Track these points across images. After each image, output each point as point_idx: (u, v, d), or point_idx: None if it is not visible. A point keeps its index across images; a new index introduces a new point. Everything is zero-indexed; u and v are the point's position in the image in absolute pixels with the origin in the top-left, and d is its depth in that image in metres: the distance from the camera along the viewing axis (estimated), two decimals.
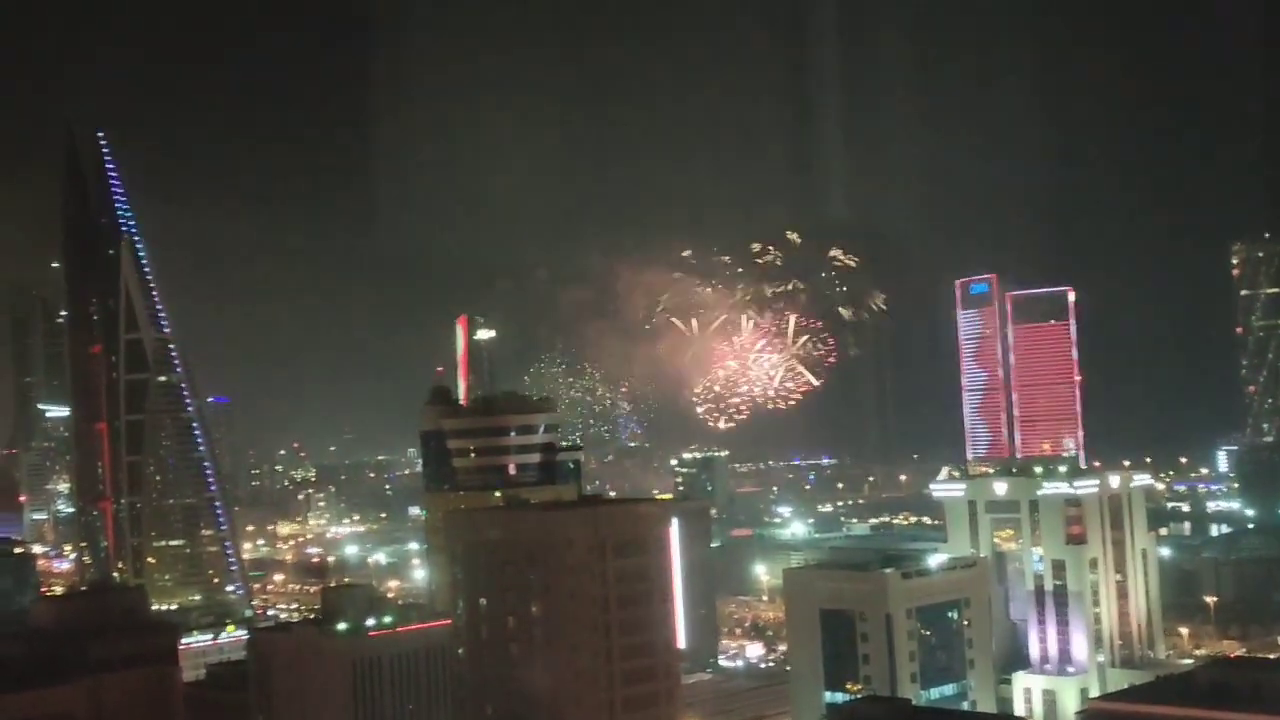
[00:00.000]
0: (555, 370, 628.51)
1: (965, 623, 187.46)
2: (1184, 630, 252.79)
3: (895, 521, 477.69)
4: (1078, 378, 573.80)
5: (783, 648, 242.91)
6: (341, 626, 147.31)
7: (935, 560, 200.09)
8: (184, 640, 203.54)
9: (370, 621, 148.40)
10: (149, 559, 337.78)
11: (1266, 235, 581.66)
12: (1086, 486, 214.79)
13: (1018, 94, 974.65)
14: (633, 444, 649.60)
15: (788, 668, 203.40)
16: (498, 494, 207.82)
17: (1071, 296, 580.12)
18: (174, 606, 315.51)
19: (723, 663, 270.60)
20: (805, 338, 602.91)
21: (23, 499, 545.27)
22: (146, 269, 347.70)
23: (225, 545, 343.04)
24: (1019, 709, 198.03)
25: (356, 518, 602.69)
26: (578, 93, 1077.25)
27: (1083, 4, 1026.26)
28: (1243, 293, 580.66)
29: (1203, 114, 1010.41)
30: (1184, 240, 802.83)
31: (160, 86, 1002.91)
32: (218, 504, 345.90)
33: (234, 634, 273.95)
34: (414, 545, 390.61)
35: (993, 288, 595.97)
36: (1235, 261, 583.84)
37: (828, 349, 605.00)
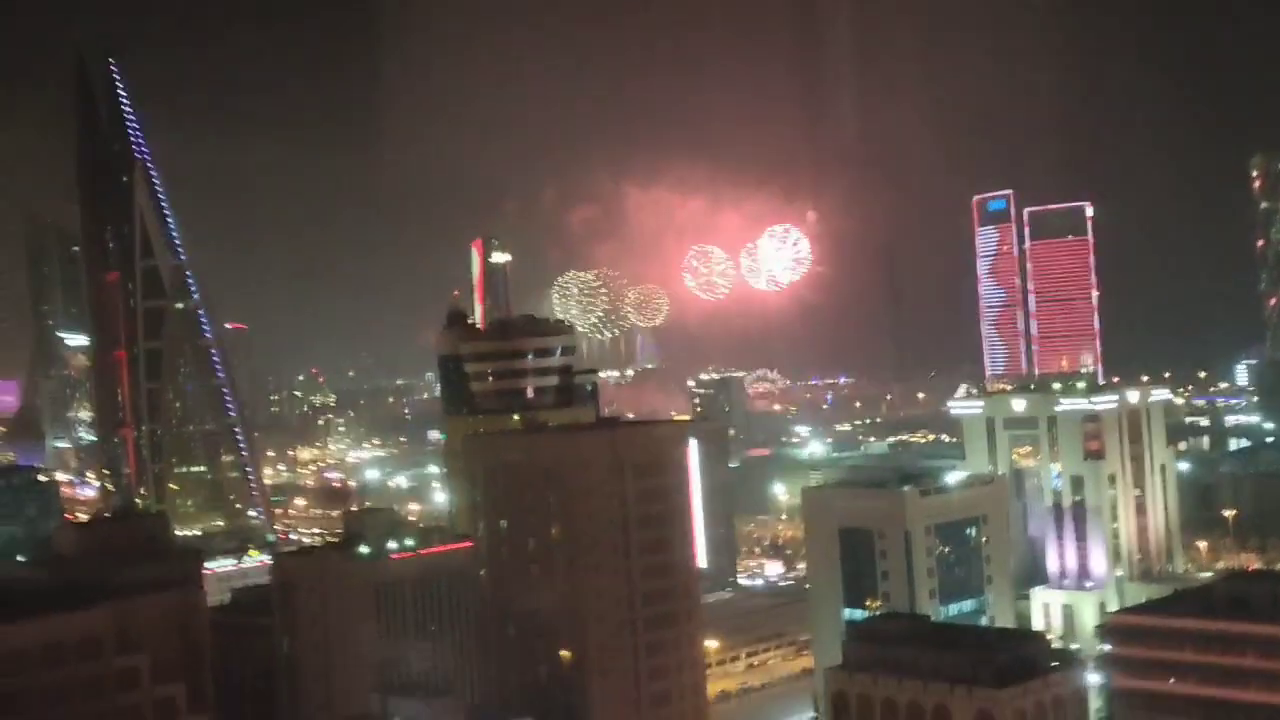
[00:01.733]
0: (572, 291, 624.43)
1: (984, 539, 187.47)
2: (1202, 544, 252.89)
3: (913, 439, 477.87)
4: (1096, 293, 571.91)
5: (802, 566, 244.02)
6: (363, 550, 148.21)
7: (953, 477, 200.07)
8: (207, 565, 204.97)
9: (392, 545, 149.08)
10: (171, 485, 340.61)
11: None
12: (1105, 402, 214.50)
13: (1035, 6, 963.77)
14: (650, 365, 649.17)
15: (807, 586, 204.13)
16: (516, 417, 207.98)
17: (1090, 211, 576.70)
18: (197, 532, 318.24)
19: (742, 581, 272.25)
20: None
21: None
22: (161, 195, 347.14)
23: (246, 471, 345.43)
24: (1038, 624, 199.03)
25: (376, 442, 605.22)
26: (589, 14, 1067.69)
27: None
28: (1262, 205, 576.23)
29: (1222, 27, 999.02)
30: (1203, 153, 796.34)
31: (170, 11, 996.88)
32: (237, 430, 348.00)
33: (257, 559, 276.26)
34: (434, 469, 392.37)
35: (1010, 204, 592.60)
36: (1255, 174, 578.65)
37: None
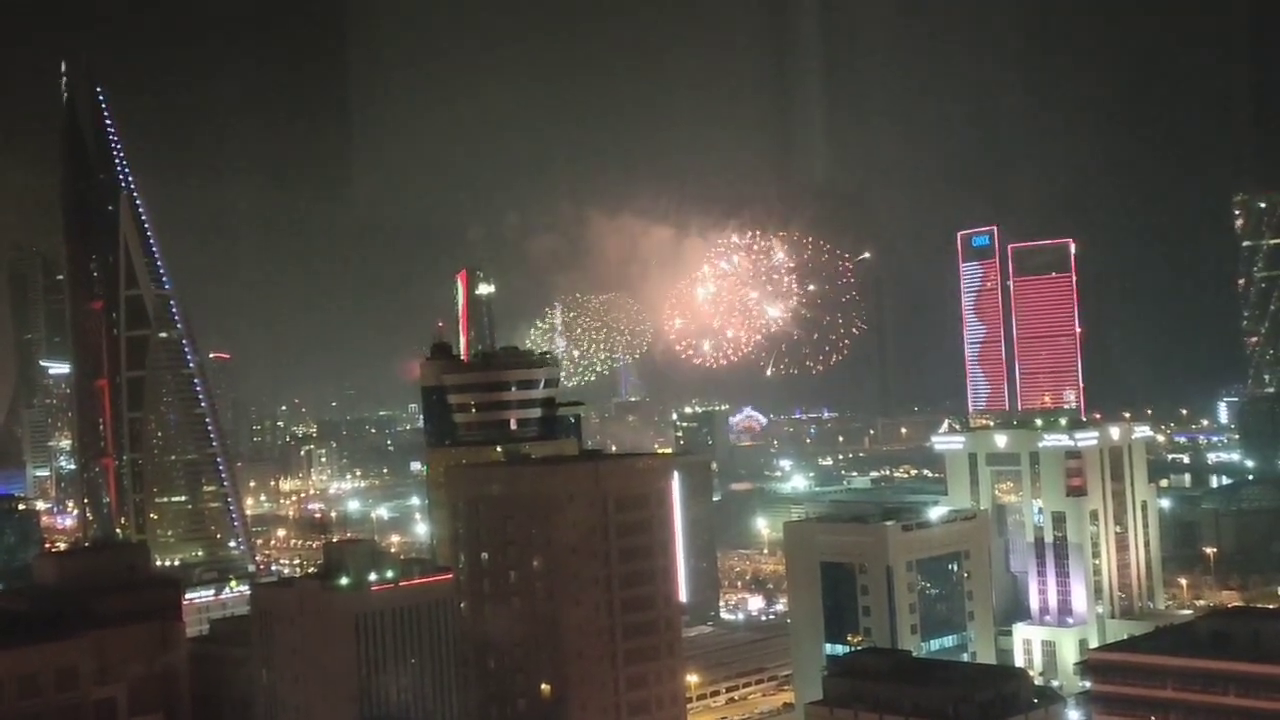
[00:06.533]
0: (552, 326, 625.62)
1: (965, 575, 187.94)
2: (1184, 581, 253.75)
3: (896, 474, 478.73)
4: (1078, 330, 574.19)
5: (783, 600, 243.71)
6: (344, 581, 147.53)
7: (935, 513, 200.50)
8: (187, 596, 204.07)
9: (372, 576, 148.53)
10: (151, 515, 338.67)
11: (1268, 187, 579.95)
12: (1087, 438, 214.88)
13: (1018, 45, 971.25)
14: (633, 398, 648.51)
15: (788, 620, 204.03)
16: (499, 449, 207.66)
17: (1073, 249, 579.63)
18: (177, 562, 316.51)
19: (724, 615, 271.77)
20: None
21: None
22: (146, 225, 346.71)
23: (227, 501, 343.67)
24: (1019, 660, 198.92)
25: (358, 473, 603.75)
26: (561, 48, 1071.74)
27: None
28: (1244, 244, 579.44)
29: (1205, 64, 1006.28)
30: (1186, 192, 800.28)
31: (157, 42, 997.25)
32: (219, 460, 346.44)
33: (237, 589, 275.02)
34: (415, 500, 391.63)
35: (994, 240, 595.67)
36: (1237, 213, 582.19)
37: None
